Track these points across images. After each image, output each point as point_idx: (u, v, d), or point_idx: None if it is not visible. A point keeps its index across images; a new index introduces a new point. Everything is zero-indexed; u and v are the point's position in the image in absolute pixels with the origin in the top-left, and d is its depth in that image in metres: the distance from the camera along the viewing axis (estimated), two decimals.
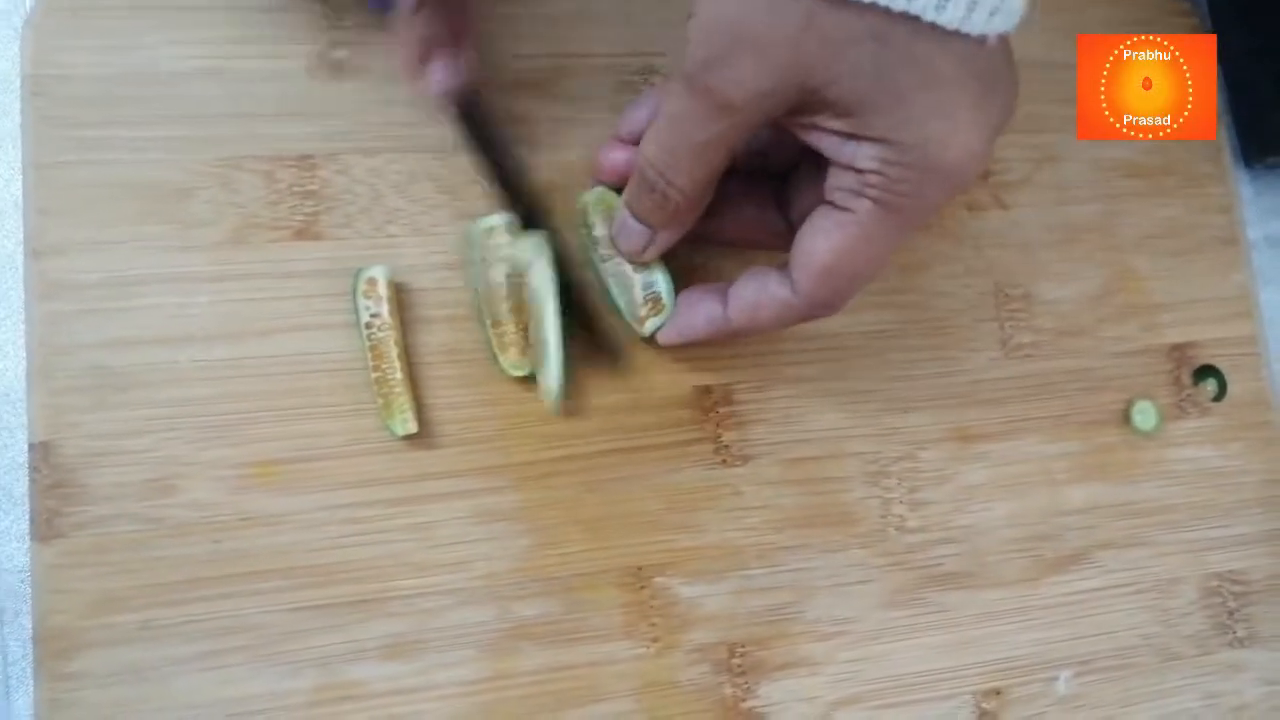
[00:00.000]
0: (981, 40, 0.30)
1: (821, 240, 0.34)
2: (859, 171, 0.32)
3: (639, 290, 0.41)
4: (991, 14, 0.29)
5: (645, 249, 0.39)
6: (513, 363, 0.41)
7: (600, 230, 0.41)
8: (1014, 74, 0.32)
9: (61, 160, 0.40)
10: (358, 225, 0.41)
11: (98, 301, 0.39)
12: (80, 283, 0.39)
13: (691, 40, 0.32)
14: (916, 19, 0.29)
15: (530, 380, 0.41)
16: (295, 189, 0.41)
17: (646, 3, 0.45)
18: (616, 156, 0.40)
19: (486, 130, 0.41)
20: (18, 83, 0.40)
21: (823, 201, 0.34)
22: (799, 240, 0.35)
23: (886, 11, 0.29)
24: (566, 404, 0.42)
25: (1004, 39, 0.30)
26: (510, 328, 0.41)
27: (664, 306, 0.41)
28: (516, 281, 0.41)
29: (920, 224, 0.33)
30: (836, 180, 0.33)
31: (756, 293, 0.37)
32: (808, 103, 0.31)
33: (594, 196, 0.41)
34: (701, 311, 0.39)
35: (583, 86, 0.44)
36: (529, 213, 0.42)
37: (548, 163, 0.43)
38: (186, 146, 0.41)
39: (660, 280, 0.41)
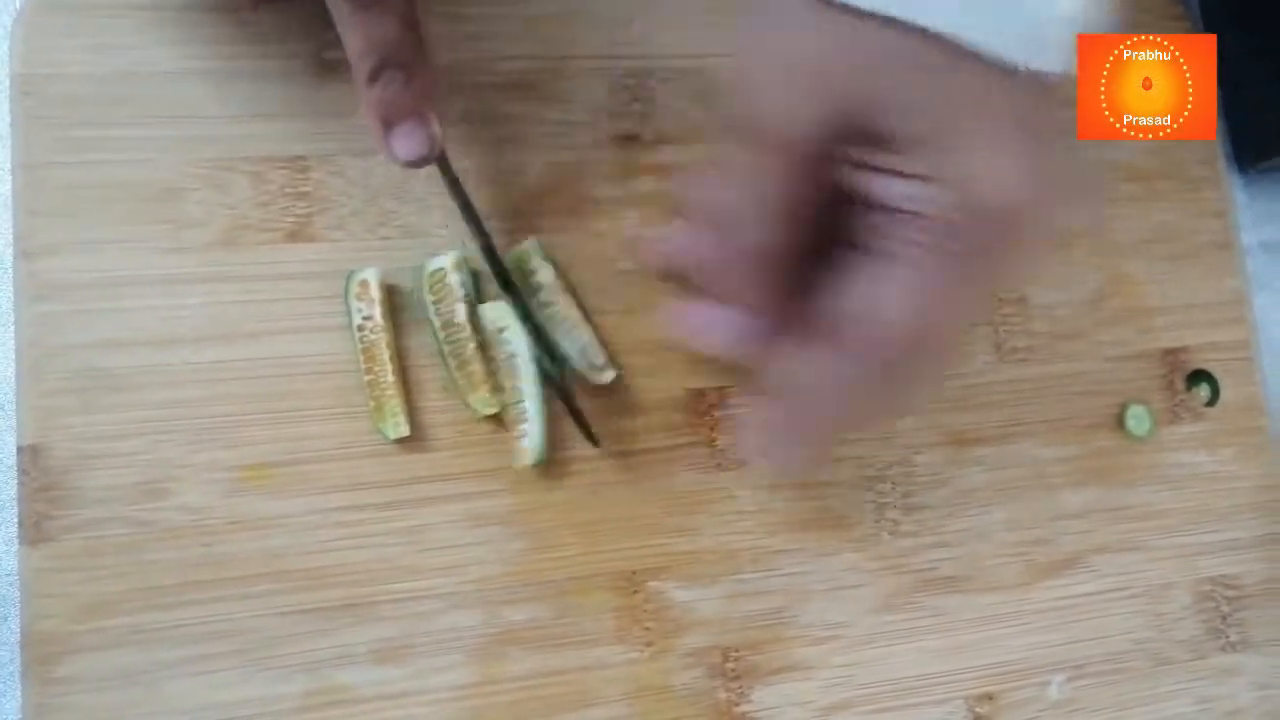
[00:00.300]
0: (1034, 78, 0.27)
1: (877, 297, 0.30)
2: (908, 214, 0.29)
3: (590, 338, 0.41)
4: (1044, 49, 0.27)
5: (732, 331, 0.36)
6: (484, 400, 0.40)
7: (544, 276, 0.41)
8: (1068, 124, 0.30)
9: (51, 160, 0.39)
10: (350, 227, 0.41)
11: (88, 302, 0.39)
12: (70, 283, 0.39)
13: (736, 79, 0.30)
14: (966, 50, 0.27)
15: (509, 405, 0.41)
16: (287, 190, 0.41)
17: (640, 4, 0.44)
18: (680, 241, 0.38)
19: (461, 189, 0.40)
20: (7, 82, 0.40)
21: (862, 254, 0.31)
22: (842, 304, 0.31)
23: (935, 37, 0.27)
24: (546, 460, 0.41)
25: (1054, 81, 0.28)
26: (477, 366, 0.40)
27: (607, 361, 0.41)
28: (477, 319, 0.41)
29: (984, 278, 0.30)
30: (885, 228, 0.30)
31: (806, 372, 0.33)
32: (854, 134, 0.29)
33: (535, 243, 0.41)
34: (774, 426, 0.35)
35: (575, 88, 0.44)
36: (505, 272, 0.41)
37: (540, 165, 0.43)
38: (177, 147, 0.40)
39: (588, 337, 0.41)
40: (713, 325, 0.37)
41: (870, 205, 0.30)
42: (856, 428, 0.37)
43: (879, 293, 0.30)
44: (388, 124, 0.35)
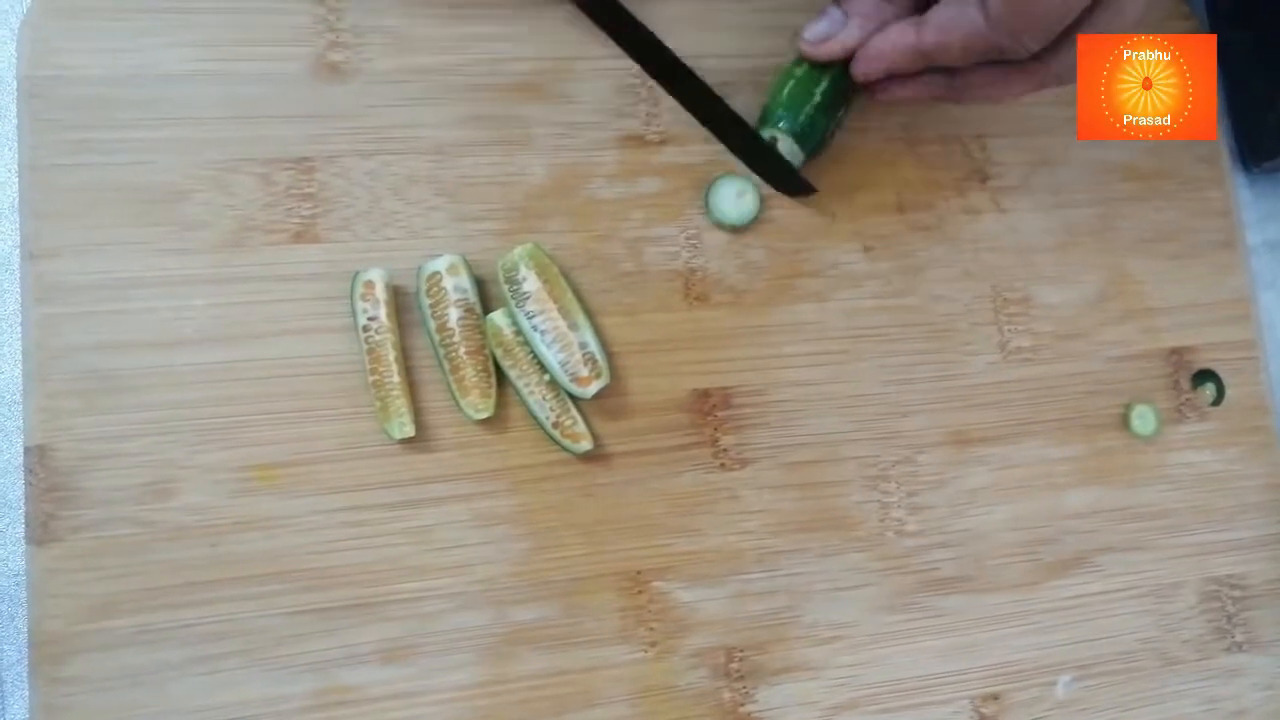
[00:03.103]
0: None
1: None
2: None
3: (576, 348, 0.41)
4: None
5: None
6: (474, 405, 0.40)
7: (530, 285, 0.41)
8: None
9: (58, 162, 0.39)
10: (355, 228, 0.41)
11: (94, 304, 0.39)
12: (76, 285, 0.39)
13: None
14: None
15: (515, 404, 0.41)
16: (293, 191, 0.41)
17: (646, 6, 0.45)
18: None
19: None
20: (14, 84, 0.40)
21: None
22: None
23: None
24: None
25: None
26: (470, 371, 0.41)
27: (602, 369, 0.41)
28: (471, 324, 0.41)
29: None
30: None
31: (952, 16, 0.36)
32: None
33: (524, 251, 0.41)
34: (891, 35, 0.39)
35: (580, 90, 0.44)
36: (671, 67, 0.43)
37: (544, 165, 0.43)
38: (183, 149, 0.40)
39: (591, 340, 0.41)
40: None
41: None
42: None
43: None
44: None
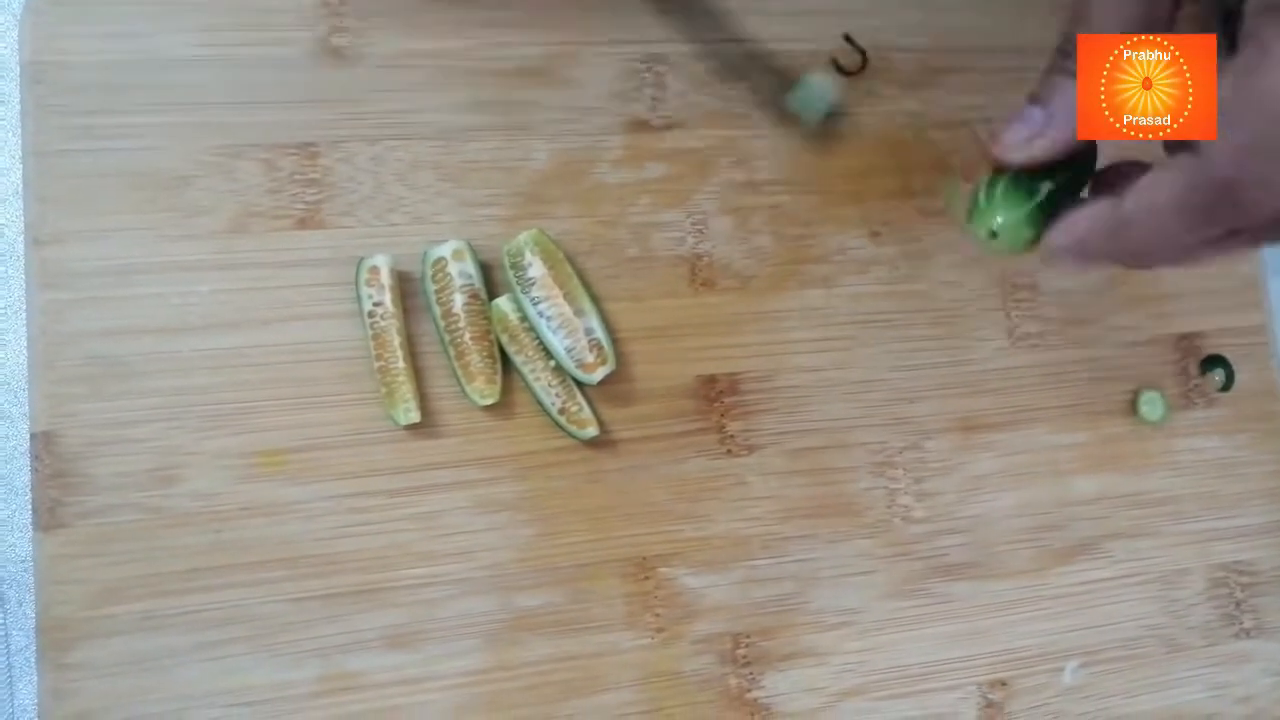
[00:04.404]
0: None
1: (1241, 79, 0.26)
2: None
3: (581, 334, 0.41)
4: None
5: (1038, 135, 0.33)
6: (480, 391, 0.40)
7: (535, 271, 0.41)
8: None
9: (62, 148, 0.39)
10: (360, 214, 0.41)
11: (98, 290, 0.39)
12: (81, 271, 0.39)
13: None
14: None
15: (521, 390, 0.41)
16: (297, 177, 0.41)
17: None
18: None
19: None
20: (17, 70, 0.40)
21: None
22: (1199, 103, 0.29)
23: None
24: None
25: None
26: (475, 357, 0.40)
27: (607, 355, 0.41)
28: (476, 309, 0.40)
29: None
30: (1253, 19, 0.26)
31: (1156, 174, 0.30)
32: None
33: (529, 237, 0.41)
34: (1085, 212, 0.33)
35: (585, 75, 0.44)
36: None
37: (550, 151, 0.43)
38: (186, 134, 0.40)
39: (597, 326, 0.41)
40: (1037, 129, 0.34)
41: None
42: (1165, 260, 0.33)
43: (1239, 80, 0.27)
44: None
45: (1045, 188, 0.35)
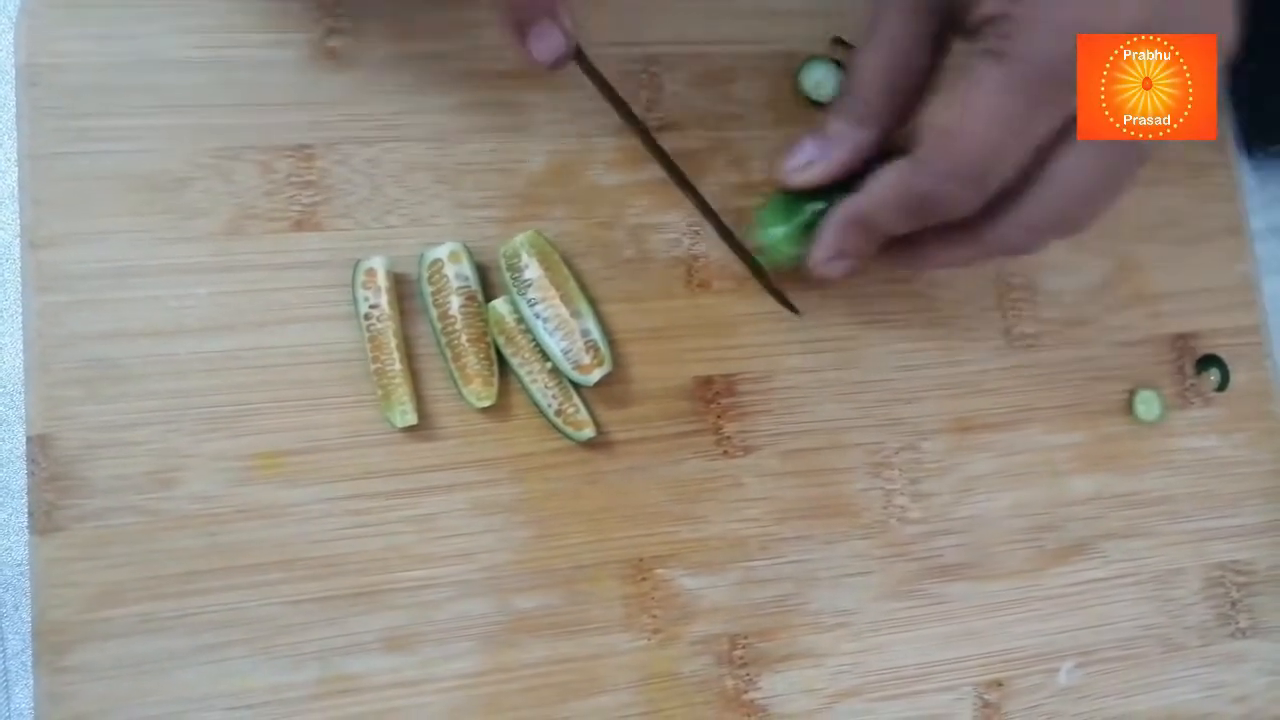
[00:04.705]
0: None
1: (938, 104, 0.33)
2: (985, 23, 0.31)
3: (578, 336, 0.41)
4: None
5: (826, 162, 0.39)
6: (477, 393, 0.40)
7: (531, 273, 0.41)
8: None
9: (57, 150, 0.39)
10: (356, 216, 0.41)
11: (95, 293, 0.39)
12: (77, 274, 0.39)
13: None
14: None
15: (517, 392, 0.41)
16: (293, 179, 0.41)
17: None
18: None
19: (606, 82, 0.40)
20: (13, 72, 0.40)
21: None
22: (922, 118, 0.35)
23: None
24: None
25: None
26: (472, 359, 0.40)
27: (604, 356, 0.41)
28: (473, 311, 0.40)
29: (1040, 84, 0.31)
30: (974, 50, 0.32)
31: (882, 172, 0.36)
32: None
33: (525, 239, 0.41)
34: (834, 218, 0.38)
35: (581, 76, 0.44)
36: (666, 160, 0.42)
37: (545, 152, 0.43)
38: (183, 136, 0.40)
39: (593, 328, 0.41)
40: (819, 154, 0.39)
41: (970, 34, 0.33)
42: (938, 261, 0.39)
43: (945, 101, 0.33)
44: (522, 29, 0.36)
45: (812, 209, 0.40)
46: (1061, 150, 0.33)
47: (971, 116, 0.32)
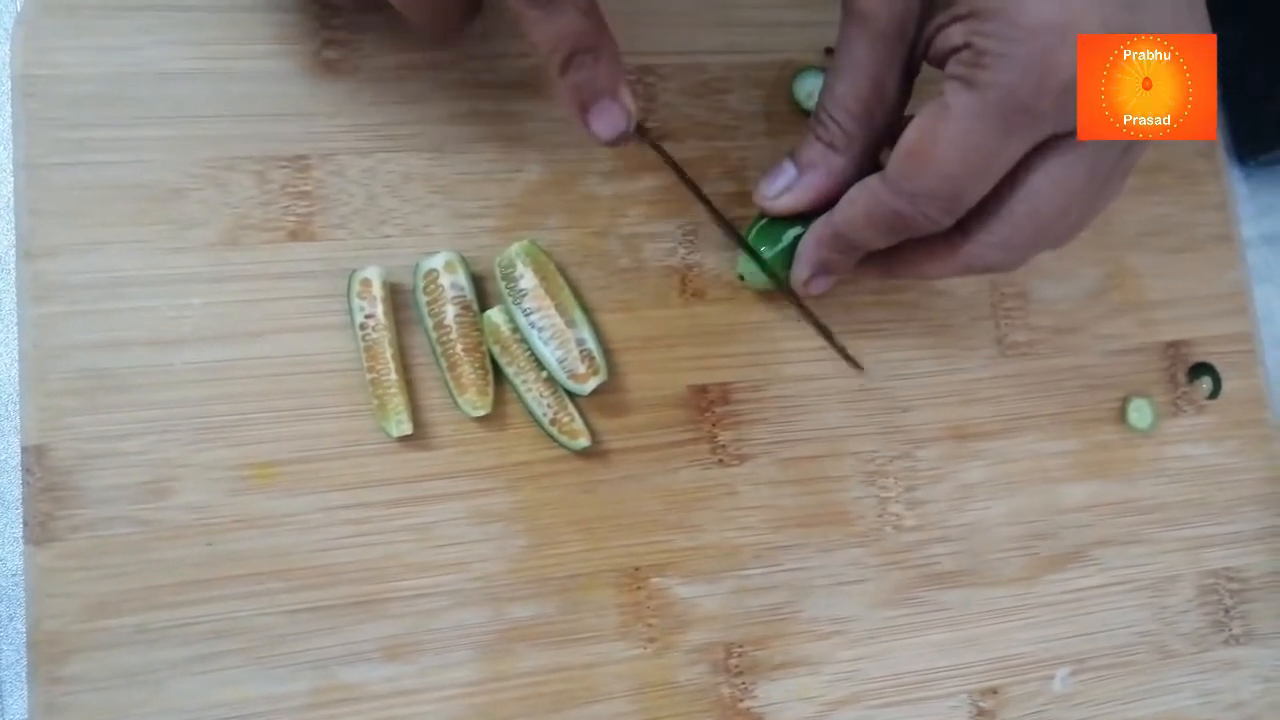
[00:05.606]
0: None
1: (910, 126, 0.33)
2: (952, 52, 0.32)
3: (573, 345, 0.41)
4: None
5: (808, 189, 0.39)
6: (472, 403, 0.41)
7: (527, 282, 0.41)
8: None
9: (54, 161, 0.39)
10: (352, 226, 0.41)
11: (91, 303, 0.39)
12: (73, 284, 0.39)
13: None
14: None
15: (513, 401, 0.41)
16: (289, 189, 0.41)
17: (642, 1, 0.44)
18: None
19: (670, 157, 0.42)
20: (9, 83, 0.40)
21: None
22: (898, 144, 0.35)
23: None
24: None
25: None
26: (467, 368, 0.41)
27: (599, 366, 0.41)
28: (468, 321, 0.41)
29: (1009, 113, 0.31)
30: (943, 77, 0.33)
31: (855, 188, 0.36)
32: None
33: (520, 248, 0.41)
34: (811, 235, 0.39)
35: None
36: (742, 240, 0.42)
37: (541, 162, 0.43)
38: (179, 147, 0.40)
39: (589, 337, 0.41)
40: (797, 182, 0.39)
41: (940, 62, 0.33)
42: (913, 272, 0.39)
43: (915, 125, 0.33)
44: (584, 107, 0.36)
45: (790, 235, 0.41)
46: (1034, 169, 0.33)
47: (942, 142, 0.32)
